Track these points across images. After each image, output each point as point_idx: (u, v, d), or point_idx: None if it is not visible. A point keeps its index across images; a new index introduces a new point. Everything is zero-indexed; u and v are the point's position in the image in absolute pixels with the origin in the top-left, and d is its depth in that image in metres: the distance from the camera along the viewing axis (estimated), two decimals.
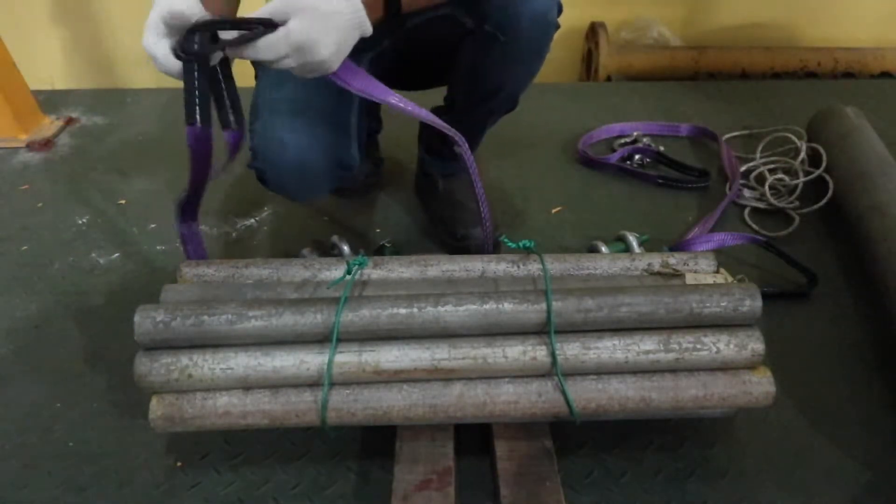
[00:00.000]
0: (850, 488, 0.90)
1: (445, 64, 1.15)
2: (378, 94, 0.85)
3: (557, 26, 1.03)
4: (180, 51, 0.74)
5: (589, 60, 2.27)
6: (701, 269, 0.94)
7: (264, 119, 1.02)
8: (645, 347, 0.83)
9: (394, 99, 0.87)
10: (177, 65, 0.76)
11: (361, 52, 0.81)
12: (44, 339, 1.12)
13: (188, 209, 0.95)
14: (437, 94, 1.28)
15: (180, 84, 0.78)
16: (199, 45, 0.74)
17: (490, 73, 1.07)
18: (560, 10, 1.03)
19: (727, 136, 1.68)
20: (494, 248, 1.27)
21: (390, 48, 1.11)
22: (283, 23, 0.74)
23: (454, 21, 1.01)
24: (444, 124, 0.93)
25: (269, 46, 0.75)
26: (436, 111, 1.27)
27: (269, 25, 0.74)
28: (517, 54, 1.03)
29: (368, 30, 0.79)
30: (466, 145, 0.95)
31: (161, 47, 0.77)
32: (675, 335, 0.84)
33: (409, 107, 0.89)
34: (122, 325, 1.12)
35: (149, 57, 0.78)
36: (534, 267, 0.93)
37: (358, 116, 1.10)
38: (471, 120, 1.20)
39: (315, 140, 1.02)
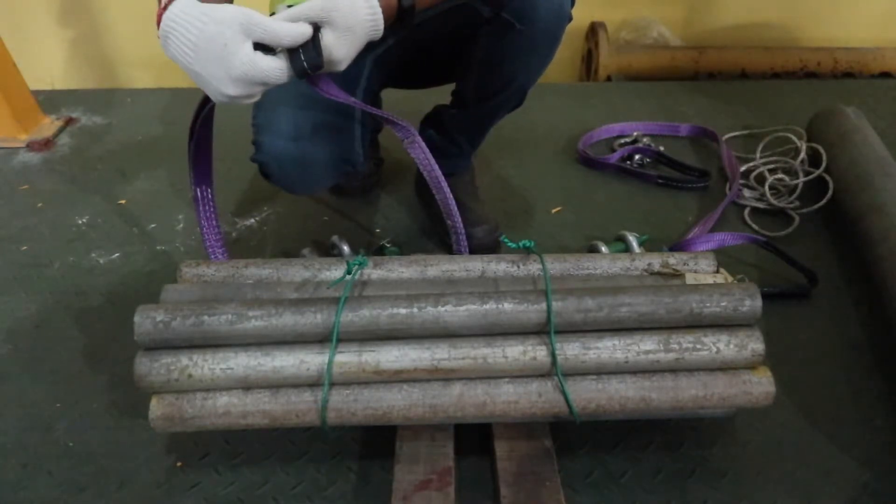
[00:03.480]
0: (850, 488, 0.90)
1: (454, 58, 1.15)
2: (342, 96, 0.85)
3: (570, 18, 1.04)
4: (298, 72, 0.76)
5: (589, 60, 2.27)
6: (701, 269, 0.94)
7: (267, 112, 1.02)
8: (645, 347, 0.83)
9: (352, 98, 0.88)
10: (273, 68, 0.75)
11: (366, 51, 0.82)
12: (44, 339, 1.12)
13: (200, 165, 0.97)
14: (439, 94, 1.28)
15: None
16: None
17: (504, 63, 1.07)
18: (573, 3, 1.04)
19: (727, 136, 1.68)
20: (494, 248, 1.28)
21: (396, 46, 1.11)
22: (319, 27, 0.75)
23: (470, 11, 1.01)
24: (395, 117, 0.92)
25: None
26: (442, 108, 1.27)
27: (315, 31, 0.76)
28: (532, 44, 1.04)
29: (379, 35, 0.79)
30: (420, 140, 0.94)
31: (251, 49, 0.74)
32: (675, 335, 0.84)
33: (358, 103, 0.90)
34: (122, 325, 1.13)
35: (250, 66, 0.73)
36: (534, 267, 0.93)
37: (363, 111, 1.10)
38: (478, 115, 1.20)
39: (318, 133, 1.02)
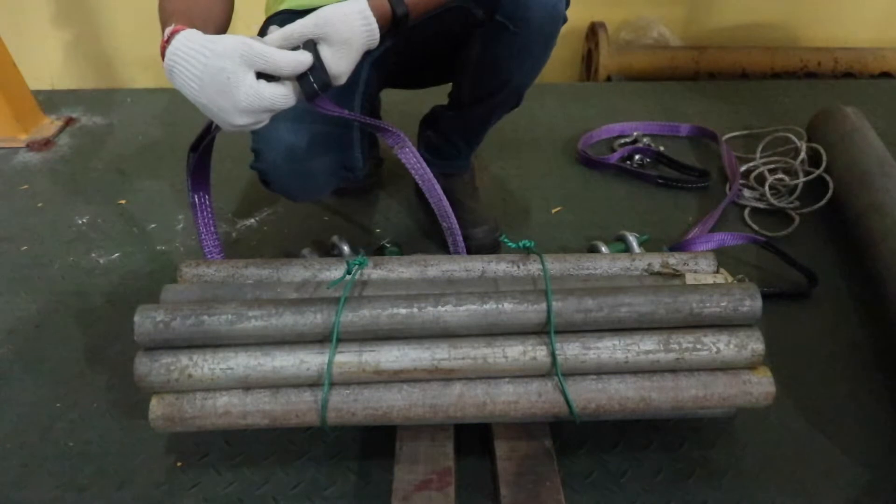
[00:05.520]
0: (850, 488, 0.90)
1: (450, 59, 1.15)
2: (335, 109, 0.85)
3: (565, 19, 1.04)
4: (309, 94, 0.76)
5: (589, 60, 2.27)
6: (701, 269, 0.94)
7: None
8: (645, 347, 0.83)
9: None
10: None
11: (363, 57, 0.82)
12: (44, 339, 1.12)
13: (199, 169, 0.97)
14: (439, 94, 1.28)
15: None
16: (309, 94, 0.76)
17: (499, 65, 1.07)
18: (567, 4, 1.04)
19: (727, 136, 1.68)
20: (494, 249, 1.28)
21: (392, 48, 1.11)
22: (316, 43, 0.75)
23: (464, 13, 1.01)
24: (385, 123, 0.93)
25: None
26: (440, 109, 1.27)
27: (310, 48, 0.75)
28: (527, 46, 1.04)
29: (375, 45, 0.79)
30: (410, 145, 0.95)
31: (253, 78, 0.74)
32: (675, 335, 0.84)
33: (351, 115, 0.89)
34: (122, 325, 1.13)
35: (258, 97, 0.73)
36: (534, 267, 0.93)
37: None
38: (475, 116, 1.20)
39: (317, 141, 1.02)
